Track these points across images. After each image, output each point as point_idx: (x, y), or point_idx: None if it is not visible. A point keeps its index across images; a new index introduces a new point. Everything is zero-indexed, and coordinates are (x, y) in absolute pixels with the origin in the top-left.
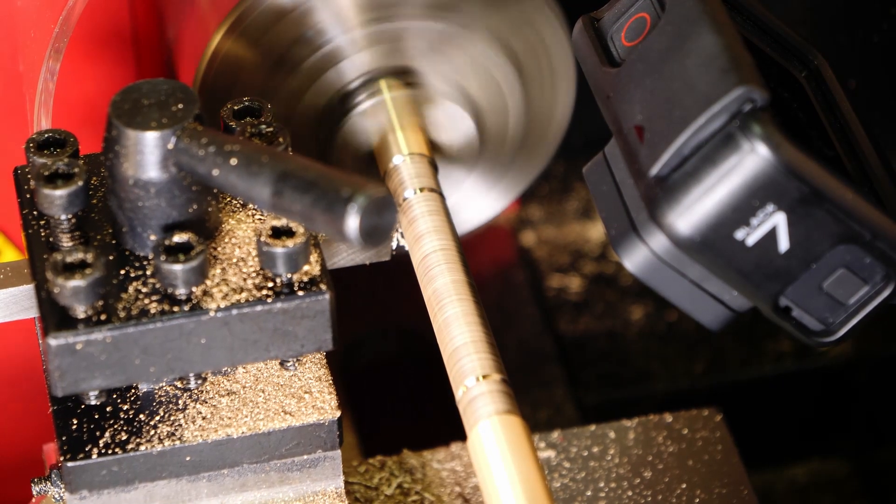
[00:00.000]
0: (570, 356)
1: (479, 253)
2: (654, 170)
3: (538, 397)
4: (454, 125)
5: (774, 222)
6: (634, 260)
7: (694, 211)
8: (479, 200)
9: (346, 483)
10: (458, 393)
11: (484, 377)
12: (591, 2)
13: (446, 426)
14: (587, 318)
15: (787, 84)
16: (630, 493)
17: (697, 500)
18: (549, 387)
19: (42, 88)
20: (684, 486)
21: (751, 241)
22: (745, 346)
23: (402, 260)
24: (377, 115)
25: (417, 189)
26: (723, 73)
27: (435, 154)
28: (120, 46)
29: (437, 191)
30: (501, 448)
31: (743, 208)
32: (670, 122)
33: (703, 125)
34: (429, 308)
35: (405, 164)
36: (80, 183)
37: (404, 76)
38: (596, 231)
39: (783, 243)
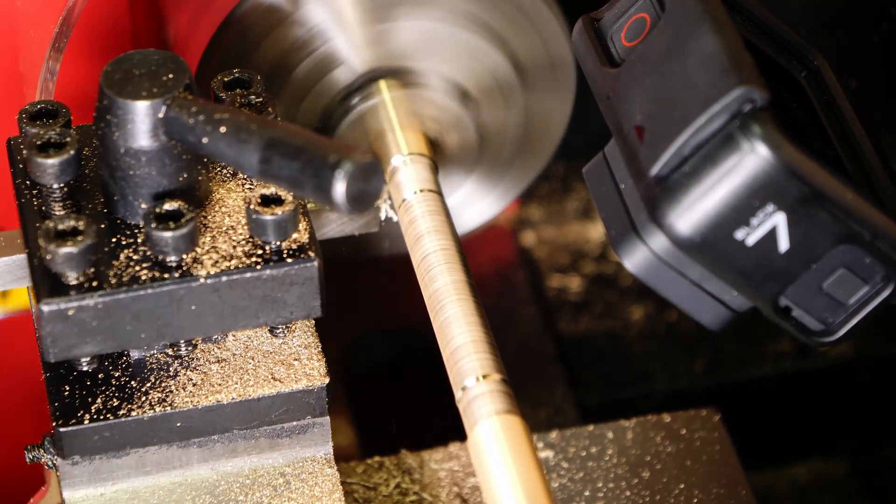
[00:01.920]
0: (570, 356)
1: (479, 253)
2: (654, 170)
3: (538, 397)
4: (454, 125)
5: (774, 222)
6: (634, 260)
7: (694, 211)
8: (479, 201)
9: (345, 483)
10: (458, 393)
11: (484, 377)
12: (591, 2)
13: (446, 426)
14: (587, 318)
15: (787, 84)
16: (628, 494)
17: (696, 501)
18: (549, 387)
19: (42, 88)
20: (682, 486)
21: (751, 241)
22: (745, 346)
23: (402, 260)
24: (377, 116)
25: (417, 189)
26: (723, 73)
27: (435, 154)
28: (120, 46)
29: (437, 191)
30: (501, 448)
31: (743, 208)
32: (670, 123)
33: (703, 125)
34: (429, 308)
35: (405, 164)
36: (72, 152)
37: (404, 76)
38: (596, 231)
39: (783, 243)
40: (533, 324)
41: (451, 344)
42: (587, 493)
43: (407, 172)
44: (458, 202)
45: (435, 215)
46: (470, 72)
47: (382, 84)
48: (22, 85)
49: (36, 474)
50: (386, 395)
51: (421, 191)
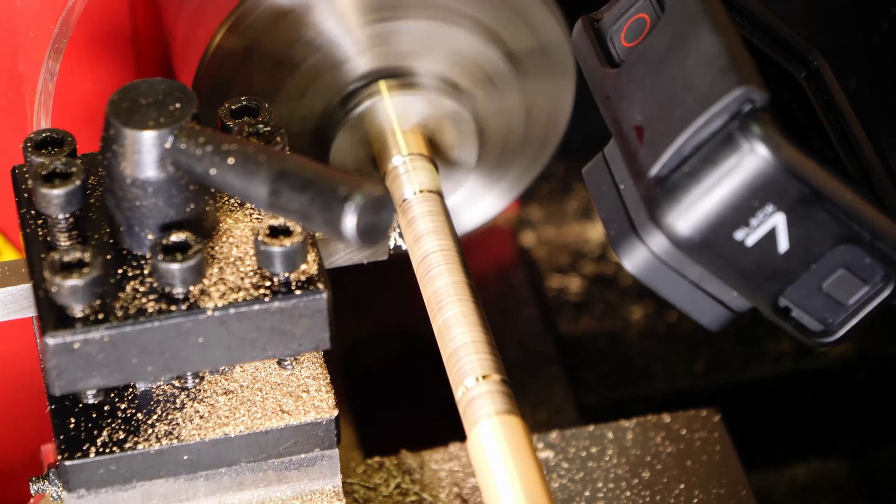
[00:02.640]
0: (570, 356)
1: (479, 253)
2: (654, 170)
3: (538, 397)
4: (454, 125)
5: (774, 223)
6: (634, 260)
7: (693, 211)
8: (479, 200)
9: (345, 483)
10: (458, 393)
11: (484, 377)
12: (591, 2)
13: (446, 426)
14: (587, 318)
15: (787, 84)
16: (628, 494)
17: (696, 501)
18: (549, 387)
19: (42, 88)
20: (682, 486)
21: (750, 241)
22: (745, 346)
23: (402, 260)
24: (377, 116)
25: (417, 190)
26: (723, 74)
27: (435, 154)
28: (120, 46)
29: (437, 191)
30: (501, 448)
31: (742, 209)
32: (670, 123)
33: (703, 125)
34: (428, 309)
35: (405, 164)
36: (78, 182)
37: (404, 77)
38: (596, 231)
39: (783, 244)
40: (533, 324)
41: (451, 344)
42: (587, 494)
43: (407, 173)
44: (458, 202)
45: (435, 215)
46: (470, 72)
47: (382, 84)
48: (22, 85)
49: (36, 473)
50: (386, 395)
51: (421, 191)
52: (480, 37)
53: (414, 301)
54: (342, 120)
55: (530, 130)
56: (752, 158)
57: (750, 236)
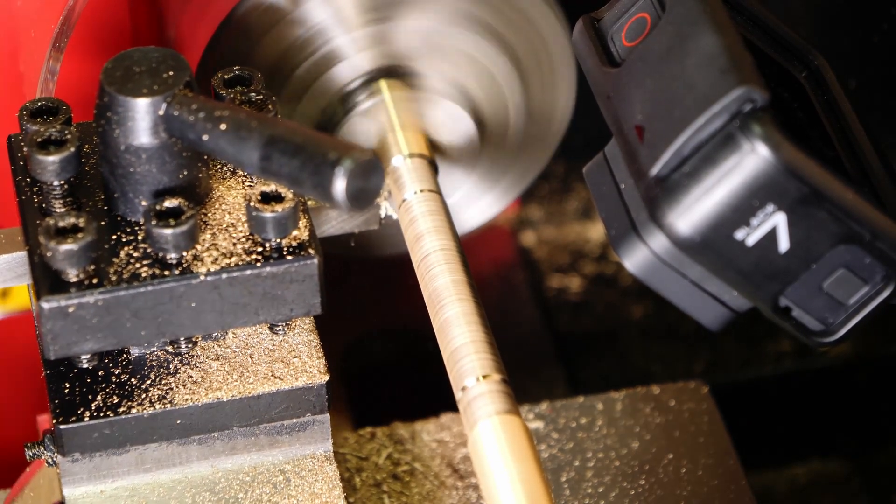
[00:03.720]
0: (570, 356)
1: (479, 253)
2: (654, 170)
3: (538, 397)
4: (454, 125)
5: (774, 222)
6: (634, 260)
7: (694, 211)
8: (479, 200)
9: (337, 453)
10: (458, 393)
11: (484, 377)
12: (591, 2)
13: None
14: (587, 318)
15: (787, 84)
16: (617, 464)
17: (684, 471)
18: (549, 387)
19: (42, 88)
20: (671, 456)
21: (751, 241)
22: (745, 346)
23: (402, 260)
24: (377, 116)
25: (417, 189)
26: (723, 73)
27: (435, 154)
28: (120, 46)
29: (437, 191)
30: (501, 448)
31: (743, 208)
32: (670, 122)
33: (703, 125)
34: (429, 308)
35: (405, 164)
36: (73, 149)
37: (404, 77)
38: (596, 231)
39: (783, 243)
40: (533, 324)
41: (452, 344)
42: (577, 464)
43: (407, 172)
44: (459, 201)
45: (435, 215)
46: (470, 71)
47: (383, 84)
48: (22, 85)
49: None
50: (386, 395)
51: (421, 191)
52: (481, 36)
53: (414, 301)
54: (342, 120)
55: (530, 130)
56: (752, 158)
57: (750, 236)
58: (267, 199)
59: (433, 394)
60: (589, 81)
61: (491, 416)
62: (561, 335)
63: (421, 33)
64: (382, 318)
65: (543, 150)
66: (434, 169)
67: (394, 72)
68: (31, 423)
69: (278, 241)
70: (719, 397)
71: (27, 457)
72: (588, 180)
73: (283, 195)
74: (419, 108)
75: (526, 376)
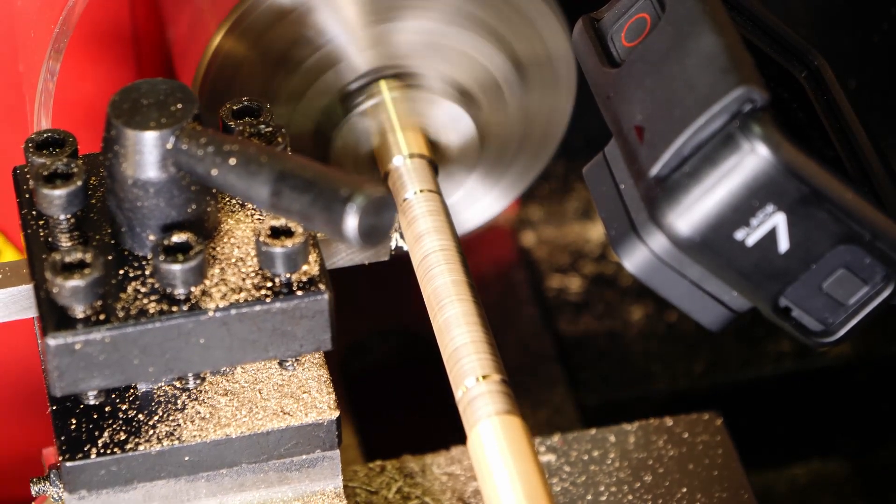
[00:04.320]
0: (570, 356)
1: (479, 253)
2: (654, 170)
3: (538, 398)
4: (454, 125)
5: (774, 222)
6: (634, 260)
7: (694, 211)
8: (479, 200)
9: (347, 487)
10: (458, 393)
11: (484, 377)
12: (591, 2)
13: (447, 427)
14: (587, 318)
15: (787, 84)
16: (630, 498)
17: None
18: (549, 387)
19: (42, 88)
20: (685, 490)
21: (751, 241)
22: (745, 346)
23: (402, 260)
24: (377, 116)
25: (417, 190)
26: (723, 73)
27: (435, 154)
28: (120, 46)
29: (437, 191)
30: (501, 448)
31: (743, 208)
32: (670, 123)
33: (703, 125)
34: (429, 308)
35: (405, 164)
36: (79, 183)
37: (404, 77)
38: (596, 231)
39: (783, 243)
40: (533, 324)
41: (451, 344)
42: (589, 497)
43: (407, 172)
44: (459, 202)
45: (435, 215)
46: (470, 72)
47: (383, 84)
48: (22, 85)
49: (37, 471)
50: (386, 395)
51: (421, 191)
52: (481, 36)
53: (414, 301)
54: (343, 120)
55: (530, 130)
56: (752, 158)
57: (750, 236)
58: (276, 233)
59: (433, 394)
60: (589, 81)
61: (491, 417)
62: (561, 335)
63: (421, 33)
64: (382, 318)
65: (543, 150)
66: (434, 169)
67: (394, 72)
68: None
69: (288, 276)
70: (719, 397)
71: (32, 492)
72: (588, 180)
73: (292, 230)
74: (419, 109)
75: (526, 376)
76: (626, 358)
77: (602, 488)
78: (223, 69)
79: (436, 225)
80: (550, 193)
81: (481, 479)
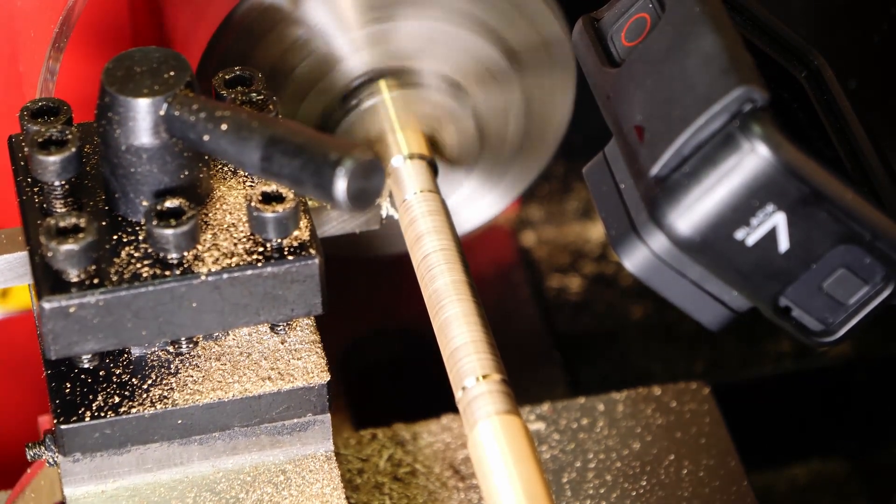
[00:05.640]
0: (570, 356)
1: (479, 253)
2: (654, 170)
3: (538, 397)
4: (454, 125)
5: (774, 222)
6: (634, 260)
7: (694, 211)
8: (479, 200)
9: (339, 454)
10: (458, 393)
11: (484, 377)
12: (591, 2)
13: None
14: (587, 318)
15: (787, 84)
16: (619, 465)
17: (685, 472)
18: (549, 387)
19: (42, 88)
20: (672, 457)
21: (751, 241)
22: (745, 346)
23: (402, 260)
24: (377, 116)
25: (417, 190)
26: (723, 73)
27: (435, 154)
28: (120, 46)
29: (437, 192)
30: (501, 448)
31: (743, 208)
32: (670, 123)
33: (703, 125)
34: (429, 308)
35: (405, 164)
36: (74, 149)
37: (404, 76)
38: (596, 231)
39: (783, 243)
40: (533, 324)
41: (451, 344)
42: (578, 465)
43: (407, 173)
44: (459, 202)
45: (435, 215)
46: (470, 71)
47: (382, 84)
48: (22, 85)
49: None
50: (386, 395)
51: (421, 191)
52: (481, 35)
53: (414, 301)
54: (342, 120)
55: (530, 130)
56: (752, 158)
57: (750, 236)
58: (268, 199)
59: (433, 394)
60: (589, 81)
61: (491, 417)
62: (561, 335)
63: (421, 33)
64: (382, 318)
65: (543, 150)
66: (434, 169)
67: (393, 72)
68: (33, 423)
69: (279, 241)
70: (719, 397)
71: (28, 457)
72: (588, 180)
73: (283, 195)
74: (419, 109)
75: (526, 376)
76: (625, 358)
77: (591, 455)
78: (223, 69)
79: (436, 225)
80: (550, 193)
81: (481, 478)
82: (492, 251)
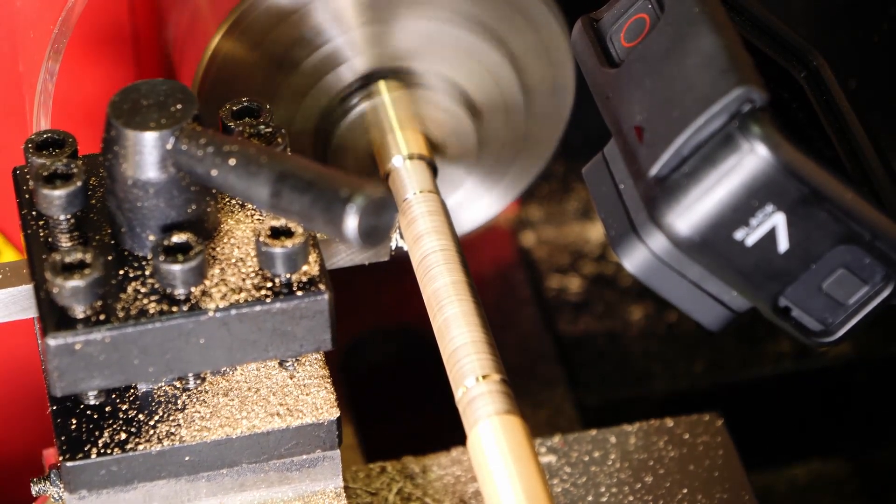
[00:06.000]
0: (570, 356)
1: (479, 253)
2: (654, 170)
3: (538, 398)
4: (454, 125)
5: (774, 222)
6: (634, 260)
7: (693, 211)
8: (479, 200)
9: (347, 488)
10: (458, 393)
11: (484, 377)
12: (591, 2)
13: (447, 427)
14: (587, 318)
15: (787, 84)
16: (631, 499)
17: None
18: (549, 387)
19: (42, 88)
20: (685, 491)
21: (750, 241)
22: (745, 346)
23: (402, 260)
24: (377, 117)
25: (417, 190)
26: (722, 74)
27: (435, 154)
28: (119, 46)
29: (437, 192)
30: (501, 448)
31: (742, 209)
32: (670, 123)
33: (703, 125)
34: (429, 308)
35: (405, 165)
36: (79, 183)
37: (404, 77)
38: (596, 231)
39: (783, 243)
40: (533, 324)
41: (451, 344)
42: (590, 498)
43: (407, 173)
44: (458, 202)
45: (435, 215)
46: (469, 72)
47: (382, 84)
48: (22, 85)
49: (37, 472)
50: (386, 395)
51: (421, 191)
52: (480, 36)
53: (414, 301)
54: (342, 120)
55: (530, 130)
56: (751, 158)
57: (750, 236)
58: (276, 233)
59: (433, 394)
60: (588, 82)
61: (491, 417)
62: (561, 335)
63: (420, 34)
64: (382, 318)
65: (543, 150)
66: (433, 170)
67: (393, 72)
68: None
69: (288, 276)
70: (719, 397)
71: (33, 492)
72: (587, 180)
73: (292, 230)
74: (418, 109)
75: (526, 376)
76: (625, 358)
77: (603, 489)
78: (222, 70)
79: (435, 225)
80: (550, 193)
81: (481, 479)
82: (492, 251)
